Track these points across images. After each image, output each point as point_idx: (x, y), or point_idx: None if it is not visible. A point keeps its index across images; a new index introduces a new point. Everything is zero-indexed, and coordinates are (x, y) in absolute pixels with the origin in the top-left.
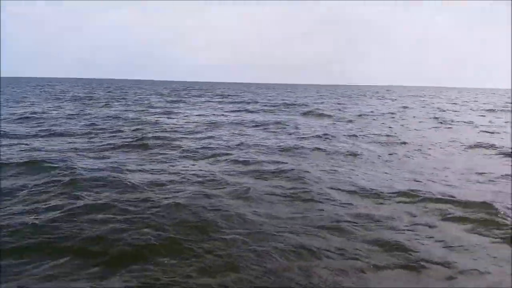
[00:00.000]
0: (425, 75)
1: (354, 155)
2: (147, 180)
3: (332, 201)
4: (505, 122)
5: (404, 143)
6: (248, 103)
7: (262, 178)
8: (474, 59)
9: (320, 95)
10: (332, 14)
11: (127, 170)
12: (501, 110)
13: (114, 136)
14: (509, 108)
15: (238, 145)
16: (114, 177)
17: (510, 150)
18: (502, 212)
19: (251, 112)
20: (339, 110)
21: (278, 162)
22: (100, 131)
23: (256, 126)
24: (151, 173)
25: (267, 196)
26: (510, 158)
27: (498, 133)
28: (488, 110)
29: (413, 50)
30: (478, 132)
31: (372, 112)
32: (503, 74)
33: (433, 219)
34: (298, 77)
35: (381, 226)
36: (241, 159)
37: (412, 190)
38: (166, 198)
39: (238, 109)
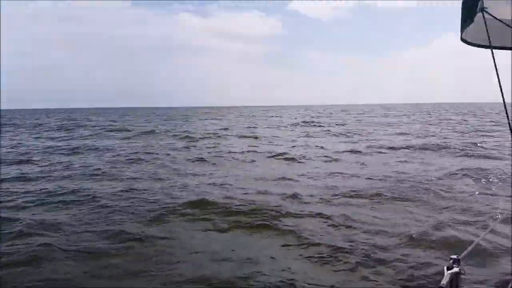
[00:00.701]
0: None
1: (157, 178)
2: None
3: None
4: (305, 135)
5: (214, 163)
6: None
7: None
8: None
9: (154, 117)
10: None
11: None
12: (302, 124)
13: None
14: (311, 122)
15: None
16: None
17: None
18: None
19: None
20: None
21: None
22: None
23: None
24: None
25: None
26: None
27: (295, 146)
28: (292, 124)
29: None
30: (278, 145)
31: (195, 132)
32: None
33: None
34: (138, 101)
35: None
36: None
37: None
38: None
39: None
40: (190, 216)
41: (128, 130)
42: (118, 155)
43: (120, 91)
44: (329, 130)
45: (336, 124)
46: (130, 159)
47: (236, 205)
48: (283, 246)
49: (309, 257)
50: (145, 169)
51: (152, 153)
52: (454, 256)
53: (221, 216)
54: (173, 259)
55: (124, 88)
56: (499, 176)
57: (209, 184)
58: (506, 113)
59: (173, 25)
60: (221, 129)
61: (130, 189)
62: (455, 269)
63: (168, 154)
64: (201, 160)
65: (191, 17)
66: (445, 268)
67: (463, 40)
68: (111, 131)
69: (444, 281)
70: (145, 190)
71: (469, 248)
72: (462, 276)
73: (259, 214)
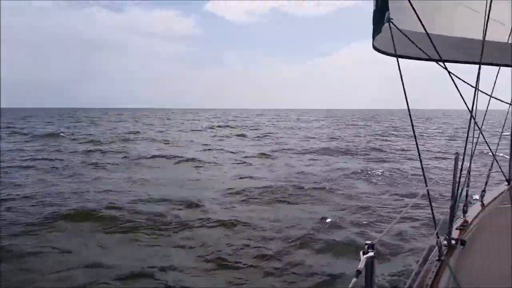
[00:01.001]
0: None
1: (43, 185)
2: None
3: None
4: (219, 138)
5: (114, 170)
6: None
7: None
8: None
9: (60, 119)
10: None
11: None
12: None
13: None
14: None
15: None
16: None
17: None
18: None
19: None
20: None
21: None
22: None
23: None
24: None
25: None
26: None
27: (206, 150)
28: (207, 128)
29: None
30: (189, 149)
31: (101, 136)
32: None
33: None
34: (46, 100)
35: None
36: None
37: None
38: None
39: None
40: (68, 229)
41: (25, 134)
42: (3, 161)
43: (25, 88)
44: (242, 134)
45: (251, 129)
46: (17, 165)
47: (125, 216)
48: (168, 257)
49: (194, 270)
50: (31, 175)
51: (46, 158)
52: (369, 242)
53: (105, 227)
54: (35, 277)
55: (29, 85)
56: (392, 178)
57: (101, 192)
58: (410, 118)
59: (82, 19)
60: (131, 132)
61: (6, 198)
62: (370, 254)
63: (62, 160)
64: (100, 166)
65: (102, 11)
66: (361, 253)
67: (374, 47)
68: (5, 133)
69: (361, 265)
70: (24, 198)
71: (381, 235)
72: (376, 261)
73: (151, 223)
